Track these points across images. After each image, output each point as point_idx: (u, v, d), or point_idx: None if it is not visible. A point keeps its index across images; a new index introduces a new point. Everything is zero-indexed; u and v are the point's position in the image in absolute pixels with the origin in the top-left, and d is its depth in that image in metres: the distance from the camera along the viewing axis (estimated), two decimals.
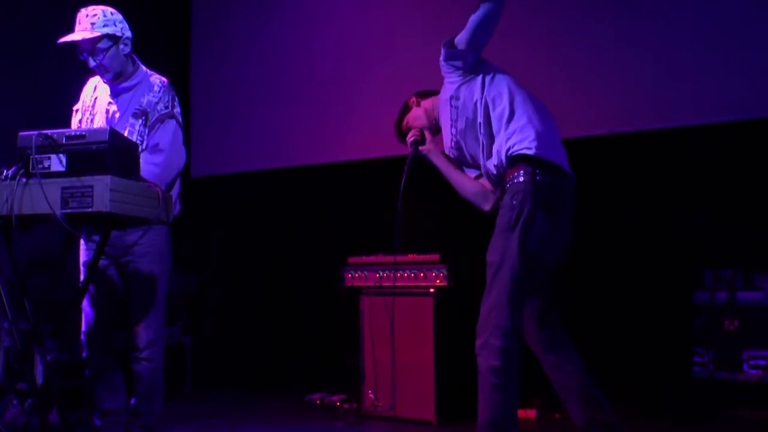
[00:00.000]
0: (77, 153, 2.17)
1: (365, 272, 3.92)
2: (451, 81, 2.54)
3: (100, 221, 2.33)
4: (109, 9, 2.73)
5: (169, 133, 2.76)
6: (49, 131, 2.20)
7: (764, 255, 3.64)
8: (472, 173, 2.68)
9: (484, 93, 2.44)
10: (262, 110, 5.11)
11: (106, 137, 2.18)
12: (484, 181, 2.62)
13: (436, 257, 3.77)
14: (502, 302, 2.32)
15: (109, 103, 2.80)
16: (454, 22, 4.35)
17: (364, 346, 3.85)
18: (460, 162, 2.68)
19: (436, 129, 2.74)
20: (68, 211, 2.11)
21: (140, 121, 2.74)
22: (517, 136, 2.36)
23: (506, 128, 2.38)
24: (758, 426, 3.37)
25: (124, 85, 2.78)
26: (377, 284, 3.86)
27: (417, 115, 2.76)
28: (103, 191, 2.08)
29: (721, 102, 3.67)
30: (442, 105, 2.61)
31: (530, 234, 2.29)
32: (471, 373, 3.91)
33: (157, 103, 2.77)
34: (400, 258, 3.85)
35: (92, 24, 2.65)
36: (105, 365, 2.83)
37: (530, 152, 2.31)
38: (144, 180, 2.38)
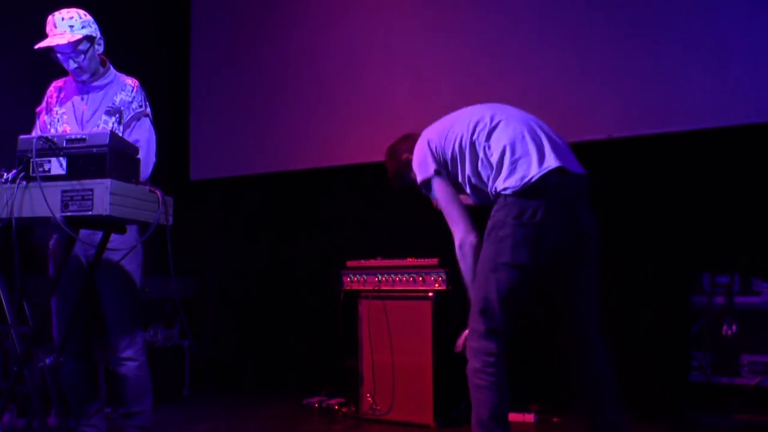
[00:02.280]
0: (77, 156, 2.18)
1: (364, 276, 3.93)
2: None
3: (100, 224, 2.34)
4: (81, 11, 2.75)
5: (146, 131, 2.82)
6: (49, 134, 2.21)
7: (762, 259, 3.64)
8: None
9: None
10: (262, 114, 5.11)
11: (107, 141, 2.19)
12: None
13: (434, 261, 3.77)
14: (475, 306, 2.39)
15: (78, 100, 2.83)
16: (453, 24, 4.40)
17: (363, 349, 3.86)
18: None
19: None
20: (68, 214, 2.12)
21: (114, 118, 2.78)
22: (502, 180, 2.42)
23: (491, 176, 2.47)
24: (756, 430, 3.37)
25: (96, 84, 2.82)
26: (376, 288, 3.87)
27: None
28: (103, 194, 2.09)
29: (718, 107, 3.68)
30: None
31: (502, 242, 2.35)
32: None
33: (131, 103, 2.81)
34: (398, 262, 3.86)
35: (71, 27, 2.67)
36: (80, 366, 2.83)
37: (507, 192, 2.39)
38: (144, 183, 2.39)
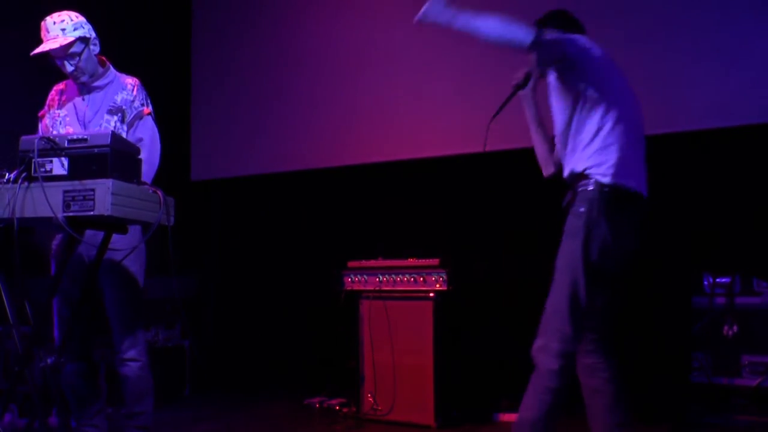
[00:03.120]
0: (79, 156, 2.18)
1: (365, 276, 3.93)
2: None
3: (102, 224, 2.34)
4: (73, 13, 2.76)
5: (150, 129, 2.83)
6: (51, 135, 2.21)
7: (763, 260, 3.64)
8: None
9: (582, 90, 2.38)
10: (262, 114, 5.12)
11: (108, 141, 2.19)
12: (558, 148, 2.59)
13: (435, 261, 3.77)
14: (562, 306, 2.31)
15: (80, 101, 2.83)
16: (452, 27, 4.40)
17: (364, 350, 3.86)
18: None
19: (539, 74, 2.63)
20: (70, 214, 2.12)
21: (116, 117, 2.78)
22: (597, 158, 2.33)
23: (589, 144, 2.36)
24: (757, 431, 3.37)
25: (96, 84, 2.82)
26: (377, 288, 3.87)
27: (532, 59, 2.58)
28: (104, 195, 2.09)
29: (719, 108, 3.68)
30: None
31: (593, 243, 2.30)
32: (470, 377, 3.95)
33: (133, 101, 2.82)
34: (399, 262, 3.87)
35: (63, 30, 2.68)
36: (81, 366, 2.83)
37: (605, 180, 2.30)
38: (145, 183, 2.39)
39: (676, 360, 3.74)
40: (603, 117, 2.35)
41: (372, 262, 3.96)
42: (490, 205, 4.35)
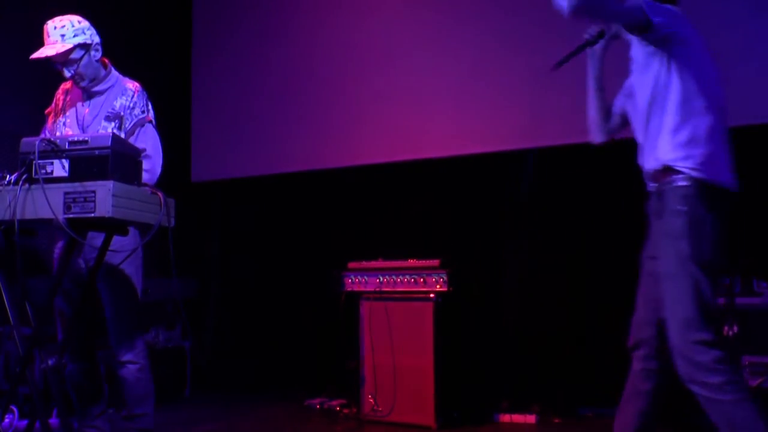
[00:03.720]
0: (80, 158, 2.19)
1: (365, 277, 3.93)
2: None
3: (103, 226, 2.34)
4: (76, 17, 2.75)
5: (152, 138, 2.82)
6: (52, 137, 2.22)
7: (763, 260, 3.64)
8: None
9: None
10: (263, 116, 5.12)
11: (109, 143, 2.19)
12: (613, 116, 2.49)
13: (436, 262, 3.78)
14: (693, 315, 2.10)
15: (81, 105, 2.83)
16: (457, 24, 4.40)
17: (364, 351, 3.86)
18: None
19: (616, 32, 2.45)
20: (70, 216, 2.12)
21: (113, 124, 2.77)
22: (686, 150, 2.17)
23: (676, 131, 2.19)
24: None
25: (97, 88, 2.81)
26: (377, 289, 3.87)
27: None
28: (105, 196, 2.09)
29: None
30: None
31: (703, 241, 2.13)
32: (470, 378, 3.95)
33: (132, 108, 2.80)
34: (400, 263, 3.87)
35: (62, 36, 2.67)
36: (83, 367, 2.84)
37: (698, 175, 2.15)
38: (145, 185, 2.39)
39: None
40: (693, 101, 2.18)
41: (372, 263, 3.97)
42: (491, 207, 4.36)
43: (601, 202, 3.99)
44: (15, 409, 3.59)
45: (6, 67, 4.15)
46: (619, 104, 2.50)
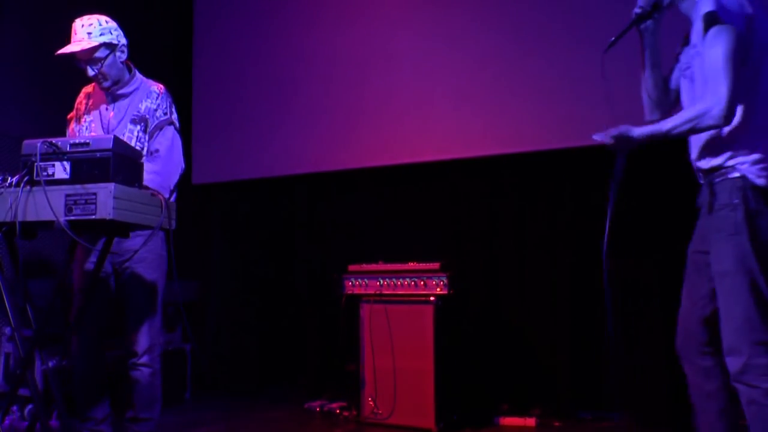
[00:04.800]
0: (81, 161, 2.19)
1: (365, 280, 3.94)
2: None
3: (104, 228, 2.35)
4: (104, 17, 2.76)
5: (168, 140, 2.82)
6: (53, 139, 2.22)
7: None
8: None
9: None
10: (264, 118, 5.13)
11: (110, 145, 2.20)
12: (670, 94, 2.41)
13: (436, 265, 3.78)
14: (751, 314, 2.04)
15: (105, 109, 2.83)
16: (455, 26, 4.41)
17: (364, 353, 3.86)
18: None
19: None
20: (72, 218, 2.13)
21: (139, 127, 2.78)
22: (743, 148, 2.11)
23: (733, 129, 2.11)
24: None
25: (122, 91, 2.82)
26: (377, 292, 3.87)
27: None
28: (106, 198, 2.10)
29: None
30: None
31: (761, 234, 2.06)
32: (470, 381, 3.95)
33: (156, 110, 2.82)
34: (400, 266, 3.87)
35: (89, 34, 2.69)
36: (92, 372, 2.84)
37: (757, 181, 2.09)
38: (147, 188, 2.40)
39: (677, 363, 3.73)
40: (753, 99, 2.11)
41: (372, 266, 3.97)
42: (491, 209, 4.36)
43: (602, 203, 3.98)
44: (16, 411, 3.60)
45: (9, 69, 4.16)
46: (674, 78, 2.39)
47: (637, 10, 2.34)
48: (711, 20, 2.09)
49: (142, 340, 2.77)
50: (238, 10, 5.37)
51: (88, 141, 2.22)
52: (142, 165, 2.42)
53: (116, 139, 2.24)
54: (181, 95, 5.50)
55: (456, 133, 4.33)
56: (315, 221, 5.00)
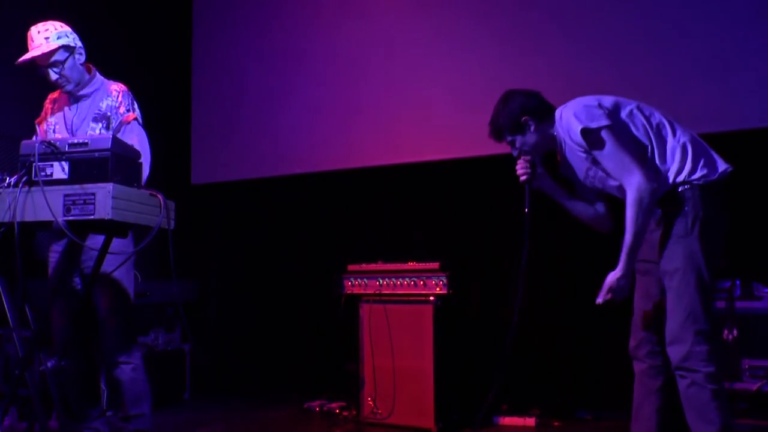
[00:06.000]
0: (80, 161, 2.19)
1: (365, 280, 3.93)
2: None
3: (102, 228, 2.35)
4: (58, 23, 2.80)
5: (135, 134, 2.84)
6: (51, 139, 2.22)
7: (764, 264, 3.64)
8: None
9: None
10: (263, 118, 5.12)
11: (109, 145, 2.20)
12: (598, 206, 2.63)
13: (435, 265, 3.78)
14: (694, 307, 2.23)
15: (69, 110, 2.88)
16: (455, 26, 4.41)
17: (364, 353, 3.86)
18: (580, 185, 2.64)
19: (544, 150, 2.64)
20: (70, 218, 2.13)
21: (101, 124, 2.83)
22: (679, 173, 2.32)
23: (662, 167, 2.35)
24: None
25: (83, 92, 2.87)
26: (377, 291, 3.87)
27: (531, 142, 2.59)
28: (105, 198, 2.10)
29: (719, 112, 3.69)
30: (571, 151, 2.51)
31: (707, 232, 2.25)
32: (470, 381, 3.95)
33: (118, 107, 2.86)
34: (399, 266, 3.87)
35: (46, 39, 2.73)
36: (81, 369, 2.84)
37: (695, 181, 2.29)
38: (145, 187, 2.40)
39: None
40: (645, 142, 2.38)
41: (372, 266, 3.97)
42: (491, 209, 4.35)
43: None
44: (15, 411, 3.59)
45: (5, 70, 4.15)
46: (584, 184, 2.59)
47: (524, 178, 2.60)
48: (586, 132, 2.35)
49: (113, 337, 2.78)
50: (238, 10, 5.36)
51: (86, 141, 2.22)
52: (140, 165, 2.42)
53: (115, 139, 2.24)
54: (180, 96, 5.52)
55: (456, 133, 4.32)
56: (314, 220, 5.00)
